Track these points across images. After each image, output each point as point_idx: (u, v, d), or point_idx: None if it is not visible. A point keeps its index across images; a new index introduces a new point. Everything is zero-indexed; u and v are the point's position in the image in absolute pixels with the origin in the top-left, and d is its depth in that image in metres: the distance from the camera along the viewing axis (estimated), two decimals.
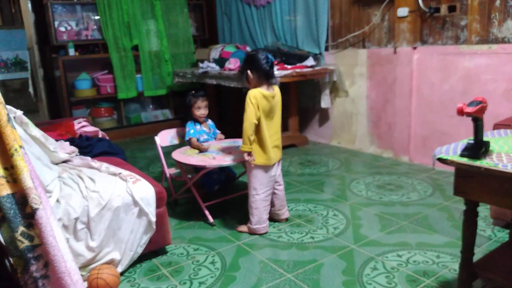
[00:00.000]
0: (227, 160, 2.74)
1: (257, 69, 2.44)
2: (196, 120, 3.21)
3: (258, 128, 2.48)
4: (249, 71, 2.46)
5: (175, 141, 3.28)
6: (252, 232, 2.64)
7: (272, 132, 2.57)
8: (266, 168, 2.56)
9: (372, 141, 4.32)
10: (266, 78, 2.45)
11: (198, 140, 3.13)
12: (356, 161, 4.10)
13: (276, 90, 2.56)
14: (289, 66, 4.32)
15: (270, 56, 2.48)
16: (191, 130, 3.14)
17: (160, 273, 2.26)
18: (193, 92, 3.19)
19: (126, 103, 5.75)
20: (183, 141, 3.24)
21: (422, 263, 2.22)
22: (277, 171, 2.66)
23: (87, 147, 3.03)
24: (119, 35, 5.38)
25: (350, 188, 3.36)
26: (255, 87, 2.46)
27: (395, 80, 3.93)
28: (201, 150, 2.98)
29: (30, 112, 4.85)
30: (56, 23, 5.18)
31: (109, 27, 5.33)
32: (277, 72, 4.08)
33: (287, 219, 2.83)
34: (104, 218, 2.14)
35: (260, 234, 2.63)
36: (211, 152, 2.94)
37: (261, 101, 2.42)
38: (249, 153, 2.49)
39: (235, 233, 2.67)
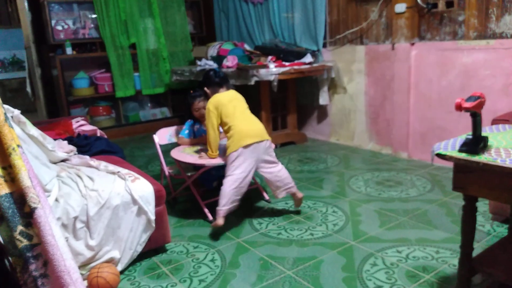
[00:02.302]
0: (225, 158, 2.74)
1: (208, 84, 2.80)
2: (197, 119, 3.21)
3: (228, 120, 2.63)
4: (205, 88, 2.82)
5: (174, 139, 3.28)
6: (217, 218, 2.58)
7: (247, 119, 2.69)
8: (241, 150, 2.56)
9: (370, 137, 4.32)
10: (218, 87, 2.77)
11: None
12: (355, 157, 4.10)
13: (232, 91, 2.82)
14: (287, 63, 4.32)
15: (216, 70, 2.85)
16: (186, 130, 3.18)
17: (160, 271, 2.26)
18: (191, 92, 3.19)
19: (124, 102, 5.73)
20: None
21: (421, 258, 2.22)
22: (262, 153, 2.65)
23: (85, 146, 3.02)
24: (116, 34, 5.37)
25: (349, 185, 3.36)
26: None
27: (393, 76, 3.93)
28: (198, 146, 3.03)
29: (28, 111, 4.84)
30: (53, 22, 5.16)
31: (106, 26, 5.31)
32: (274, 69, 4.08)
33: (301, 200, 2.84)
34: (103, 216, 2.14)
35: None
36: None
37: (220, 102, 2.66)
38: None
39: (235, 231, 2.67)
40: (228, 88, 2.80)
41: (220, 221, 2.57)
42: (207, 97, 2.83)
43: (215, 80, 2.77)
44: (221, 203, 2.57)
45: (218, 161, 2.73)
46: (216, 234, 2.65)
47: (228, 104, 2.66)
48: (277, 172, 2.74)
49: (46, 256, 1.48)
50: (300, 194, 2.83)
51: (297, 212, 2.90)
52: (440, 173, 3.49)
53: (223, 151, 2.87)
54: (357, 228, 2.61)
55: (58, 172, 2.37)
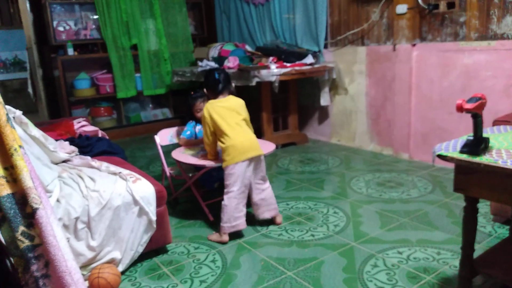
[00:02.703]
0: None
1: (208, 87, 2.72)
2: (198, 120, 3.21)
3: (221, 132, 2.55)
4: (205, 89, 2.78)
5: (175, 140, 3.28)
6: (220, 235, 2.55)
7: (240, 132, 2.57)
8: (239, 164, 2.50)
9: (371, 138, 4.32)
10: (217, 92, 2.68)
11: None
12: (356, 158, 4.10)
13: (231, 97, 2.71)
14: (288, 64, 4.32)
15: (216, 76, 2.70)
16: (188, 131, 3.17)
17: (161, 272, 2.27)
18: (192, 93, 3.20)
19: (126, 103, 5.74)
20: None
21: (422, 259, 2.22)
22: (256, 167, 2.60)
23: (87, 146, 3.02)
24: (118, 35, 5.37)
25: (350, 186, 3.36)
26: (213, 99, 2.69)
27: (395, 77, 3.93)
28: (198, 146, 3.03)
29: (30, 112, 4.84)
30: (55, 23, 5.17)
31: (107, 27, 5.32)
32: (276, 70, 4.09)
33: (278, 224, 2.75)
34: (105, 217, 2.14)
35: (229, 233, 2.55)
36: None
37: (214, 110, 2.58)
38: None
39: (236, 232, 2.67)
40: (229, 93, 2.71)
41: (225, 237, 2.53)
42: (208, 97, 2.80)
43: (215, 86, 2.67)
44: (223, 219, 2.53)
45: (219, 161, 2.72)
46: None
47: (223, 114, 2.57)
48: (265, 190, 2.68)
49: (48, 256, 1.48)
50: (279, 220, 2.75)
51: (299, 214, 2.90)
52: (441, 174, 3.49)
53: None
54: (358, 229, 2.61)
55: (60, 172, 2.37)
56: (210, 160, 2.74)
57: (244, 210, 2.57)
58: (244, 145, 2.52)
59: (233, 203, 2.52)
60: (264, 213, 2.70)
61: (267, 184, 2.71)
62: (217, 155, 2.71)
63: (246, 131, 2.62)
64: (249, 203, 2.68)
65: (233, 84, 2.84)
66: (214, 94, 2.69)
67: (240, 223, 2.56)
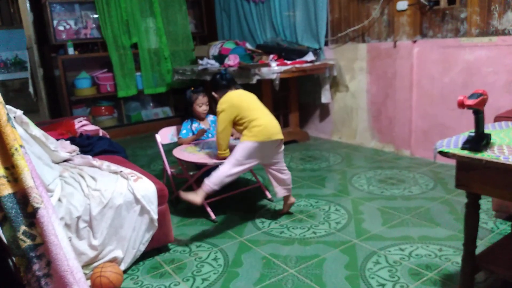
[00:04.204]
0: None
1: (216, 88, 2.74)
2: (196, 118, 3.21)
3: (246, 113, 2.56)
4: (213, 93, 2.77)
5: (176, 139, 3.28)
6: (197, 192, 2.49)
7: (266, 113, 2.64)
8: (258, 143, 2.51)
9: (373, 135, 4.31)
10: (227, 89, 2.70)
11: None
12: (357, 155, 4.09)
13: (242, 90, 2.74)
14: (288, 62, 4.31)
15: (223, 73, 2.77)
16: (184, 130, 3.19)
17: (163, 270, 2.27)
18: (192, 88, 3.20)
19: (126, 101, 5.74)
20: None
21: (424, 256, 2.22)
22: (275, 150, 2.63)
23: (87, 146, 3.02)
24: (118, 34, 5.37)
25: (351, 183, 3.36)
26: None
27: (395, 74, 3.92)
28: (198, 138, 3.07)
29: (30, 111, 4.83)
30: (55, 22, 5.17)
31: (108, 26, 5.31)
32: (276, 67, 4.08)
33: (291, 205, 2.83)
34: (106, 216, 2.15)
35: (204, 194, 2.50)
36: (212, 149, 2.94)
37: (234, 99, 2.60)
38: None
39: (238, 230, 2.68)
40: (236, 88, 2.74)
41: (199, 199, 2.46)
42: (214, 101, 2.79)
43: (223, 83, 2.70)
44: (210, 180, 2.47)
45: (221, 159, 2.72)
46: (219, 233, 2.65)
47: (244, 99, 2.62)
48: (282, 171, 2.71)
49: (49, 255, 1.48)
50: (292, 199, 2.82)
51: (301, 211, 2.90)
52: (442, 170, 3.48)
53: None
54: (359, 226, 2.61)
55: (61, 172, 2.37)
56: (213, 158, 2.74)
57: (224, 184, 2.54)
58: (274, 126, 2.58)
59: (231, 172, 2.48)
60: (282, 191, 2.74)
61: (285, 167, 2.73)
62: (228, 150, 2.66)
63: (269, 116, 2.65)
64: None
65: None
66: (224, 91, 2.69)
67: (216, 188, 2.51)
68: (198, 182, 3.08)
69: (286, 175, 2.73)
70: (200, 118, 3.23)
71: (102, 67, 5.54)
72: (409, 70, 3.79)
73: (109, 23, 5.32)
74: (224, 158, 2.63)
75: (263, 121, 2.54)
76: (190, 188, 3.05)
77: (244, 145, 2.51)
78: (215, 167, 2.91)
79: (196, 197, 2.47)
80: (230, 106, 2.57)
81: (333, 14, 4.47)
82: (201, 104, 3.15)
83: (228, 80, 2.72)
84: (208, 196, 3.02)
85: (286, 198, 2.81)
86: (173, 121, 5.42)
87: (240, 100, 2.61)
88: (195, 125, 3.22)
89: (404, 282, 2.01)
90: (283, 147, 2.70)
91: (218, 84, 2.72)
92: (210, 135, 3.25)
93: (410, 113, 3.86)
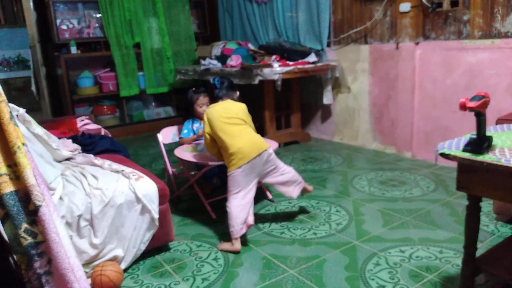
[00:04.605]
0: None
1: (212, 95, 2.72)
2: (196, 118, 3.22)
3: (221, 142, 2.50)
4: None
5: (177, 138, 3.29)
6: (232, 243, 2.43)
7: (238, 137, 2.49)
8: (243, 167, 2.43)
9: (374, 137, 4.31)
10: (217, 98, 2.68)
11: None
12: (358, 157, 4.09)
13: (230, 101, 2.67)
14: (291, 63, 4.32)
15: (212, 83, 2.72)
16: (185, 130, 3.19)
17: (163, 270, 2.27)
18: (194, 89, 3.21)
19: (128, 101, 5.75)
20: None
21: (425, 258, 2.22)
22: (263, 165, 2.52)
23: (89, 144, 3.03)
24: (120, 33, 5.38)
25: (352, 184, 3.36)
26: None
27: (398, 75, 3.92)
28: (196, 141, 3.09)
29: (33, 110, 4.85)
30: (58, 21, 5.18)
31: (110, 25, 5.33)
32: (278, 68, 4.08)
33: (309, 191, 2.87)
34: (107, 215, 2.15)
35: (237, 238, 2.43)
36: None
37: (212, 115, 2.55)
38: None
39: None
40: (223, 100, 2.66)
41: (237, 245, 2.41)
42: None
43: (214, 93, 2.69)
44: (230, 225, 2.41)
45: (222, 160, 2.72)
46: (219, 233, 2.65)
47: (218, 120, 2.51)
48: (282, 176, 2.62)
49: (50, 253, 1.48)
50: (310, 187, 2.86)
51: (302, 211, 2.90)
52: (444, 172, 3.48)
53: None
54: (360, 228, 2.61)
55: (63, 170, 2.38)
56: (214, 159, 2.74)
57: (251, 210, 2.47)
58: (248, 146, 2.45)
59: (237, 205, 2.42)
60: (295, 190, 2.68)
61: (282, 169, 2.63)
62: (219, 155, 2.62)
63: (245, 134, 2.52)
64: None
65: (237, 93, 2.76)
66: (216, 100, 2.68)
67: (249, 220, 2.44)
68: (199, 182, 3.09)
69: (289, 173, 2.65)
70: (201, 118, 3.23)
71: (105, 66, 5.55)
72: (411, 72, 3.78)
73: (112, 22, 5.33)
74: (221, 159, 2.61)
75: (237, 146, 2.43)
76: (191, 188, 3.06)
77: (231, 177, 2.45)
78: (216, 167, 2.92)
79: (233, 246, 2.41)
80: (209, 120, 2.55)
81: (335, 16, 4.47)
82: (201, 104, 3.15)
83: (219, 89, 2.67)
84: (209, 196, 3.04)
85: (304, 188, 2.79)
86: (175, 121, 5.43)
87: (216, 117, 2.53)
88: (196, 125, 3.22)
89: (404, 284, 2.01)
90: (273, 154, 2.58)
91: (213, 93, 2.72)
92: None
93: (412, 115, 3.86)
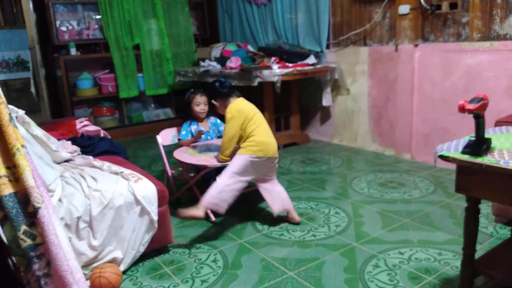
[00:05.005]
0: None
1: (216, 96, 2.72)
2: (195, 119, 3.22)
3: (249, 129, 2.58)
4: (213, 101, 2.77)
5: (177, 140, 3.29)
6: (197, 207, 2.45)
7: (268, 131, 2.66)
8: (256, 159, 2.54)
9: (373, 139, 4.31)
10: (228, 97, 2.69)
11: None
12: (357, 159, 4.09)
13: (243, 100, 2.73)
14: (290, 64, 4.32)
15: (222, 81, 2.73)
16: (183, 131, 3.20)
17: (162, 272, 2.27)
18: (192, 90, 3.22)
19: (128, 102, 5.75)
20: None
21: (424, 260, 2.22)
22: (269, 168, 2.65)
23: (89, 146, 3.03)
24: (120, 34, 5.38)
25: (351, 186, 3.36)
26: (225, 107, 2.67)
27: (397, 77, 3.92)
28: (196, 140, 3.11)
29: (32, 111, 4.85)
30: (58, 23, 5.19)
31: (110, 26, 5.33)
32: (278, 70, 4.09)
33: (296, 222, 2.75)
34: (106, 217, 2.15)
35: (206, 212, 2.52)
36: (212, 151, 2.94)
37: (243, 108, 2.62)
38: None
39: (237, 232, 2.68)
40: (238, 97, 2.72)
41: (201, 212, 2.43)
42: (214, 109, 2.81)
43: (223, 91, 2.69)
44: (208, 193, 2.46)
45: (223, 162, 2.72)
46: (219, 234, 2.65)
47: (254, 112, 2.64)
48: (274, 186, 2.73)
49: (49, 255, 1.48)
50: (297, 218, 2.72)
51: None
52: (443, 174, 3.48)
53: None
54: (359, 230, 2.61)
55: (62, 172, 2.38)
56: (213, 160, 2.74)
57: (232, 198, 2.52)
58: (271, 144, 2.60)
59: (228, 183, 2.48)
60: (279, 206, 2.70)
61: (277, 182, 2.77)
62: (231, 156, 2.65)
63: (270, 133, 2.68)
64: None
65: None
66: (225, 99, 2.70)
67: (223, 206, 2.50)
68: (198, 184, 3.09)
69: (280, 188, 2.74)
70: (199, 119, 3.23)
71: (104, 68, 5.55)
72: (410, 74, 3.79)
73: (111, 24, 5.33)
74: (224, 162, 2.65)
75: (263, 138, 2.57)
76: (190, 190, 3.06)
77: (241, 158, 2.53)
78: (215, 169, 2.92)
79: (197, 211, 2.45)
80: (241, 113, 2.58)
81: (335, 18, 4.48)
82: (198, 103, 3.15)
83: (228, 88, 2.71)
84: None
85: (288, 213, 2.74)
86: (174, 123, 5.43)
87: (250, 111, 2.63)
88: (194, 127, 3.22)
89: (403, 286, 2.01)
90: (277, 164, 2.73)
91: (218, 92, 2.71)
92: (209, 137, 3.26)
93: (411, 117, 3.86)
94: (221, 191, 2.48)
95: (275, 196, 2.71)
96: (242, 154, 2.55)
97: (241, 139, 2.61)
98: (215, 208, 2.51)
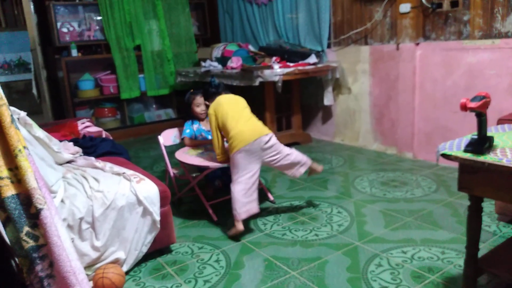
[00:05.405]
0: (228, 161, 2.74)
1: (207, 97, 2.84)
2: (196, 119, 3.22)
3: (226, 123, 2.61)
4: (206, 102, 2.87)
5: (178, 140, 3.29)
6: (234, 224, 2.54)
7: (242, 121, 2.63)
8: (242, 151, 2.54)
9: (375, 138, 4.31)
10: (216, 95, 2.77)
11: (196, 139, 3.16)
12: (359, 158, 4.09)
13: (230, 95, 2.82)
14: (291, 64, 4.32)
15: (211, 81, 2.85)
16: (187, 129, 3.20)
17: (165, 272, 2.27)
18: (192, 90, 3.23)
19: (129, 103, 5.76)
20: None
21: (427, 259, 2.22)
22: (264, 149, 2.60)
23: (91, 147, 3.03)
24: (121, 35, 5.39)
25: (354, 185, 3.35)
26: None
27: (398, 76, 3.92)
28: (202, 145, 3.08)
29: (34, 113, 4.86)
30: (59, 24, 5.19)
31: (111, 28, 5.33)
32: (279, 70, 4.09)
33: (318, 172, 2.94)
34: (109, 217, 2.15)
35: (242, 219, 2.55)
36: (214, 151, 2.94)
37: (217, 103, 2.69)
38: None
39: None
40: (226, 93, 2.80)
41: (239, 226, 2.53)
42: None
43: (212, 90, 2.79)
44: (233, 207, 2.56)
45: (224, 162, 2.73)
46: (221, 235, 2.65)
47: (225, 105, 2.66)
48: (285, 160, 2.71)
49: (52, 256, 1.49)
50: (319, 168, 2.89)
51: (305, 206, 2.90)
52: (445, 173, 3.48)
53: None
54: (362, 229, 2.61)
55: (64, 173, 2.38)
56: (215, 161, 2.74)
57: (255, 195, 2.59)
58: (250, 129, 2.59)
59: (240, 189, 2.54)
60: (299, 170, 2.78)
61: (285, 152, 2.71)
62: (226, 154, 2.69)
63: (249, 116, 2.69)
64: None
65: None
66: (213, 98, 2.76)
67: (252, 207, 2.58)
68: (200, 184, 3.09)
69: (292, 156, 2.74)
70: (200, 119, 3.24)
71: (106, 69, 5.56)
72: (411, 73, 3.78)
73: (112, 25, 5.34)
74: (223, 161, 2.68)
75: (238, 129, 2.57)
76: (192, 190, 3.06)
77: (232, 159, 2.59)
78: (218, 169, 2.93)
79: (235, 228, 2.54)
80: (216, 109, 2.65)
81: (336, 17, 4.47)
82: (198, 104, 3.17)
83: (217, 87, 2.79)
84: (211, 198, 3.04)
85: (311, 169, 2.87)
86: (176, 123, 5.43)
87: (222, 104, 2.66)
88: (196, 125, 3.23)
89: (406, 285, 2.00)
90: (274, 140, 2.67)
91: (208, 92, 2.82)
92: (209, 136, 3.26)
93: (413, 116, 3.86)
94: (241, 200, 2.54)
95: (290, 166, 2.75)
96: (231, 155, 2.59)
97: (227, 138, 2.63)
98: (249, 214, 2.58)
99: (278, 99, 4.57)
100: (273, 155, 2.66)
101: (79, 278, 1.51)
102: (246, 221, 2.80)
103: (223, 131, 2.66)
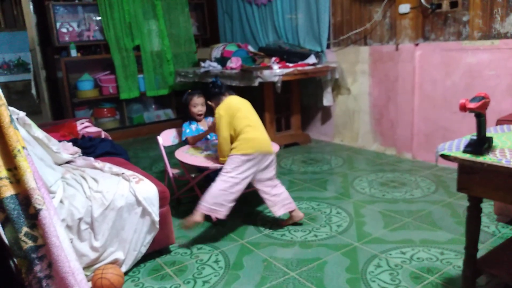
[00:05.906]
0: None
1: (211, 97, 2.76)
2: (194, 119, 3.22)
3: (238, 125, 2.55)
4: (209, 102, 2.80)
5: (178, 141, 3.29)
6: (193, 213, 2.44)
7: (259, 127, 2.62)
8: (247, 156, 2.49)
9: (375, 138, 4.31)
10: (221, 96, 2.71)
11: None
12: (359, 158, 4.09)
13: (238, 97, 2.75)
14: (290, 64, 4.32)
15: (214, 81, 2.77)
16: (187, 130, 3.19)
17: (164, 273, 2.27)
18: (190, 91, 3.23)
19: (129, 104, 5.76)
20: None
21: (426, 260, 2.22)
22: (264, 166, 2.56)
23: (90, 147, 3.03)
24: (120, 36, 5.39)
25: (353, 186, 3.35)
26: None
27: (397, 77, 3.92)
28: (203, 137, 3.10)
29: (33, 113, 4.86)
30: (58, 25, 5.19)
31: (110, 28, 5.33)
32: (278, 70, 4.09)
33: (299, 219, 2.70)
34: (108, 218, 2.15)
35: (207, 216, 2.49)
36: (214, 151, 2.94)
37: (231, 105, 2.62)
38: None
39: (239, 232, 2.67)
40: (230, 94, 2.73)
41: (198, 217, 2.43)
42: (211, 110, 2.79)
43: (215, 91, 2.71)
44: (205, 199, 2.45)
45: (222, 164, 2.72)
46: (220, 235, 2.65)
47: (241, 108, 2.61)
48: (273, 188, 2.63)
49: (51, 257, 1.48)
50: (300, 214, 2.68)
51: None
52: (444, 174, 3.48)
53: None
54: (361, 229, 2.61)
55: (63, 173, 2.38)
56: (215, 161, 2.74)
57: (230, 204, 2.49)
58: (263, 140, 2.56)
59: (222, 187, 2.44)
60: (280, 209, 2.63)
61: (277, 182, 2.67)
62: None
63: (263, 128, 2.66)
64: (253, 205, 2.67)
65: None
66: (219, 98, 2.70)
67: (221, 211, 2.46)
68: (199, 184, 3.09)
69: (281, 189, 2.66)
70: (197, 119, 3.25)
71: (105, 69, 5.56)
72: (411, 73, 3.78)
73: (112, 25, 5.34)
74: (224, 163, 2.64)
75: (253, 134, 2.52)
76: (192, 191, 3.06)
77: (232, 159, 2.50)
78: (217, 170, 2.92)
79: (194, 217, 2.44)
80: (228, 111, 2.58)
81: (335, 17, 4.48)
82: (195, 104, 3.16)
83: (220, 87, 2.72)
84: None
85: (291, 214, 2.68)
86: (175, 123, 5.43)
87: (238, 107, 2.61)
88: (193, 126, 3.23)
89: (405, 286, 2.00)
90: (275, 161, 2.65)
91: (211, 92, 2.73)
92: (208, 137, 3.26)
93: (412, 116, 3.86)
94: (216, 196, 2.45)
95: (276, 198, 2.63)
96: (233, 154, 2.51)
97: (233, 138, 2.57)
98: (211, 213, 2.47)
99: (278, 100, 4.57)
100: (267, 176, 2.59)
101: (78, 279, 1.51)
102: (245, 221, 2.80)
103: (234, 130, 2.57)
